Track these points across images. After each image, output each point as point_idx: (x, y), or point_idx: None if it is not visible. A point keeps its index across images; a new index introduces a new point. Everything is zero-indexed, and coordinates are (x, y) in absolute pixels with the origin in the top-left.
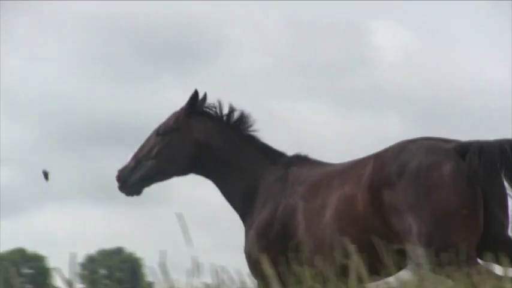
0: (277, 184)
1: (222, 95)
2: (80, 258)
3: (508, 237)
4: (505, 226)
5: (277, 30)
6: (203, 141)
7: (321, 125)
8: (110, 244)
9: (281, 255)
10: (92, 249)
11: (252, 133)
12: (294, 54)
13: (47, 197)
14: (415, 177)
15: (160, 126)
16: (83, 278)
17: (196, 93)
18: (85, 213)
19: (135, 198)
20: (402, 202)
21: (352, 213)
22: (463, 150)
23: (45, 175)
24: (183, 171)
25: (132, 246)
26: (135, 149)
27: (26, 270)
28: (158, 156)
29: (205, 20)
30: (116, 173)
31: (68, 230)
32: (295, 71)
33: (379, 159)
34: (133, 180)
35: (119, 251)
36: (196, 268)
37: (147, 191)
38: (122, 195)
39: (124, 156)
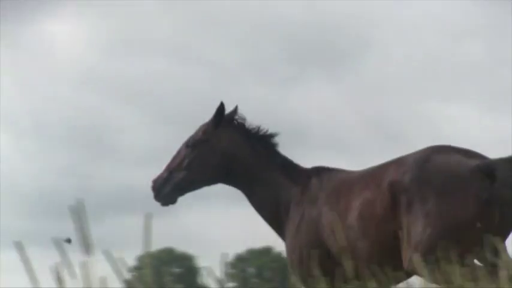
0: (299, 195)
1: (371, 98)
2: (229, 257)
3: None
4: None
5: (423, 31)
6: (230, 153)
7: (469, 126)
8: (258, 244)
9: (318, 263)
10: (241, 249)
11: (276, 147)
12: (441, 55)
13: (194, 197)
14: (435, 190)
15: (189, 139)
16: (233, 277)
17: (222, 105)
18: (232, 213)
19: None
20: (418, 211)
21: (372, 217)
22: (488, 170)
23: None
24: (212, 181)
25: (280, 246)
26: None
27: (175, 269)
28: (188, 167)
29: (351, 21)
30: (150, 183)
31: (215, 229)
32: (443, 72)
33: (401, 165)
34: (166, 191)
35: (267, 251)
36: None
37: None
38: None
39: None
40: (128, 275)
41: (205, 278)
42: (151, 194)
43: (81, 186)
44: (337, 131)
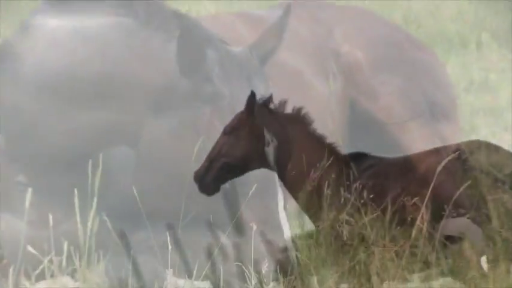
0: (334, 181)
1: None
2: None
3: None
4: None
5: None
6: (265, 136)
7: None
8: None
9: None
10: None
11: (311, 127)
12: None
13: None
14: (472, 186)
15: (226, 127)
16: None
17: (253, 93)
18: None
19: None
20: (462, 202)
21: (403, 204)
22: None
23: None
24: (253, 166)
25: None
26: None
27: None
28: (227, 155)
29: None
30: (193, 175)
31: None
32: None
33: (442, 155)
34: (208, 180)
35: None
36: None
37: None
38: None
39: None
40: (280, 256)
41: None
42: None
43: None
44: None
